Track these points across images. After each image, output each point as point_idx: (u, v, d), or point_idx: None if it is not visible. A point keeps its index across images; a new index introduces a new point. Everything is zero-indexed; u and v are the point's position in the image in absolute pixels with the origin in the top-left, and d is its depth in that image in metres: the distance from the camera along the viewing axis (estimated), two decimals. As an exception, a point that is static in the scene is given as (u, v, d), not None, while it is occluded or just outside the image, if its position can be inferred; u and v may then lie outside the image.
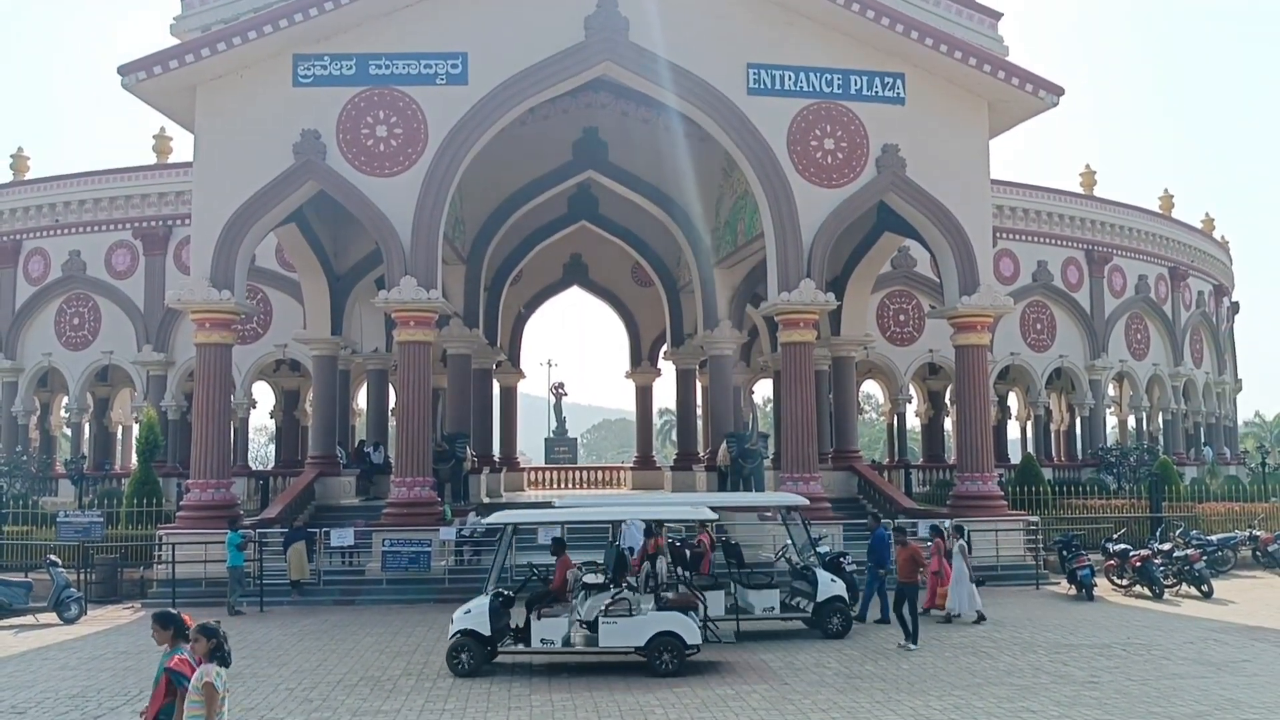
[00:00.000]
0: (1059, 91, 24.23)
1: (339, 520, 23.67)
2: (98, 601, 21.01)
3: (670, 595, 14.32)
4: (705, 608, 14.97)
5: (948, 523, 20.86)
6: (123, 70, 21.58)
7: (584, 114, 27.19)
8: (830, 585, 16.61)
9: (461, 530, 22.18)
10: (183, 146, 34.65)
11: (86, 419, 37.65)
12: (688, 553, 17.72)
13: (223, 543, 20.11)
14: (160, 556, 21.34)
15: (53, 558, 20.47)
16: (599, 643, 13.76)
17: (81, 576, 21.18)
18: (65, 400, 35.89)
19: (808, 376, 23.98)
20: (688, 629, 13.53)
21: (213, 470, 22.32)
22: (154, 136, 35.03)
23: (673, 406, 42.50)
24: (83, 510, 24.48)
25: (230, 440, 25.24)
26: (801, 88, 23.47)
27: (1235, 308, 50.55)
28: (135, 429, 34.88)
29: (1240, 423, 57.20)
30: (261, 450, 73.29)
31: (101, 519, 22.72)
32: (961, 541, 18.63)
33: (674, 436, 48.09)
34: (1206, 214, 47.84)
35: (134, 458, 31.06)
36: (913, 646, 15.34)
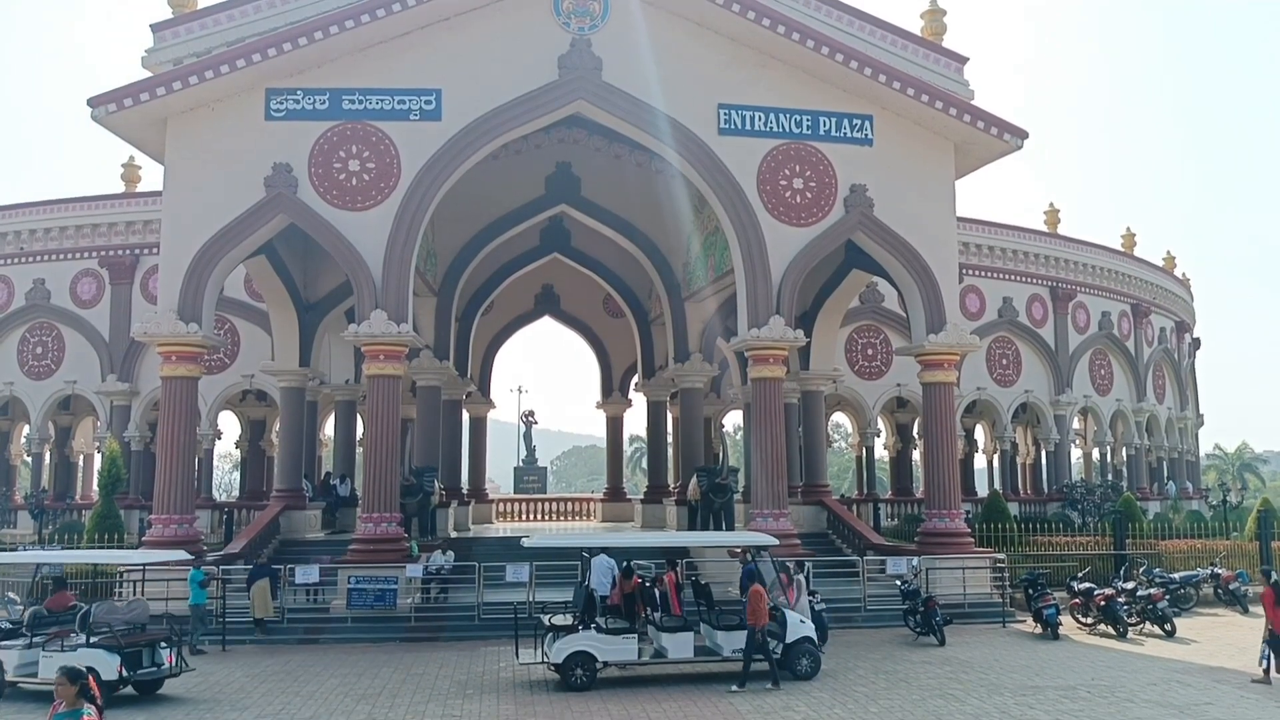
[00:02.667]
0: (1023, 135, 24.68)
1: (304, 555, 23.42)
2: (56, 639, 20.55)
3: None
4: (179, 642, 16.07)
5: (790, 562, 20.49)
6: (93, 102, 21.44)
7: (557, 149, 27.31)
8: (799, 626, 16.62)
9: (428, 567, 22.00)
10: (151, 175, 34.54)
11: (47, 448, 37.04)
12: (657, 593, 17.65)
13: (185, 579, 19.83)
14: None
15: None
16: (37, 674, 15.17)
17: (39, 614, 20.75)
18: (26, 430, 35.34)
19: (778, 412, 24.10)
20: (106, 666, 14.49)
21: (176, 505, 22.01)
22: (122, 165, 34.89)
23: (644, 433, 42.48)
24: (43, 545, 24.04)
25: (194, 474, 24.93)
26: (771, 128, 23.76)
27: (1196, 344, 51.46)
28: (97, 459, 34.39)
29: (1202, 456, 58.04)
30: (226, 478, 72.42)
31: (61, 554, 22.27)
32: (800, 576, 18.53)
33: (644, 464, 48.09)
34: (1168, 252, 48.86)
35: (95, 488, 30.62)
36: (763, 687, 15.12)
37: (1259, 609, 25.03)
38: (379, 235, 22.21)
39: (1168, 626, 20.98)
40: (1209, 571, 25.75)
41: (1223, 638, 20.76)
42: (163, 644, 15.53)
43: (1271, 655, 15.90)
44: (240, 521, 29.46)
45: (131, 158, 35.04)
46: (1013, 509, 32.22)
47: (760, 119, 23.76)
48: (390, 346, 22.34)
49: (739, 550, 22.09)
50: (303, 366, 28.13)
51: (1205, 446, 65.14)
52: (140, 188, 34.67)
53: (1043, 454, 41.11)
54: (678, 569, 18.96)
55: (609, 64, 23.06)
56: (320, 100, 22.48)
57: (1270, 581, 16.37)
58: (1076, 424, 42.29)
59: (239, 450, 39.93)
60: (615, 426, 42.70)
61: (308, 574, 21.42)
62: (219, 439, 36.02)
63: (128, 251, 33.07)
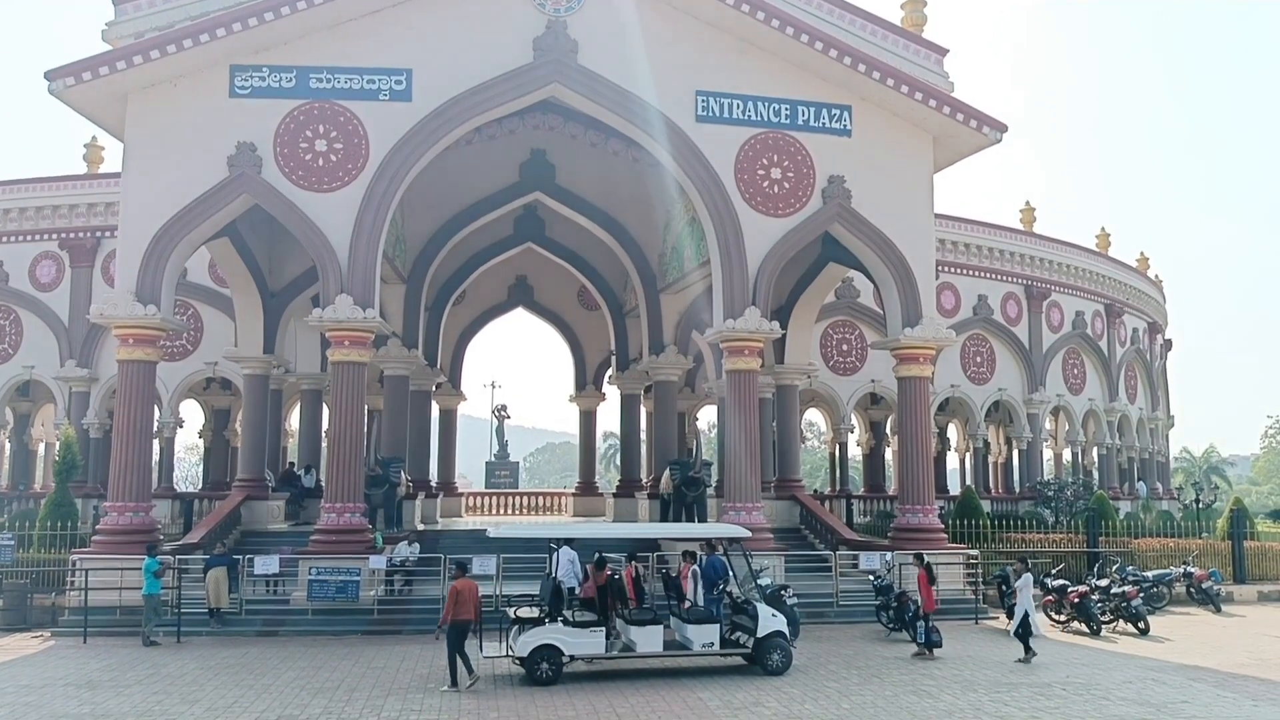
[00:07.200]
0: (1002, 128, 24.46)
1: (266, 546, 22.82)
2: (4, 630, 19.95)
3: None
4: None
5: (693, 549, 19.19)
6: (50, 75, 20.73)
7: (532, 135, 26.86)
8: (771, 620, 16.25)
9: (392, 559, 21.46)
10: (114, 156, 33.62)
11: (6, 435, 36.15)
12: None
13: (140, 569, 19.19)
14: (73, 583, 20.32)
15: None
16: None
17: (-12, 603, 20.12)
18: (-18, 416, 34.40)
19: (752, 405, 23.75)
20: None
21: (132, 492, 21.33)
22: (85, 145, 34.02)
23: (617, 429, 42.09)
24: (-6, 532, 23.28)
25: (152, 461, 24.22)
26: (750, 116, 23.40)
27: (1168, 345, 51.65)
28: (57, 446, 33.51)
29: (1171, 458, 58.34)
30: (191, 471, 71.31)
31: (12, 541, 21.63)
32: (695, 567, 17.40)
33: (618, 461, 47.65)
34: (1141, 253, 48.95)
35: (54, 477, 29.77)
36: (444, 689, 14.69)
37: (1232, 608, 25.15)
38: (346, 217, 21.65)
39: (1141, 625, 20.83)
40: (1182, 570, 25.70)
41: (1197, 636, 20.64)
42: None
43: (924, 633, 17.52)
44: (201, 512, 28.72)
45: (94, 138, 34.22)
46: (985, 507, 32.03)
47: (739, 107, 23.40)
48: (356, 332, 21.79)
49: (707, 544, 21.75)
50: (267, 354, 27.51)
51: (1173, 449, 65.62)
52: (103, 169, 33.81)
53: (1014, 452, 41.05)
54: (635, 563, 18.49)
55: (585, 47, 22.61)
56: (287, 78, 21.88)
57: (924, 564, 18.40)
58: (1049, 423, 42.28)
59: (202, 440, 39.11)
60: (588, 420, 42.21)
61: (267, 564, 20.85)
62: (181, 427, 35.17)
63: (89, 234, 32.20)
